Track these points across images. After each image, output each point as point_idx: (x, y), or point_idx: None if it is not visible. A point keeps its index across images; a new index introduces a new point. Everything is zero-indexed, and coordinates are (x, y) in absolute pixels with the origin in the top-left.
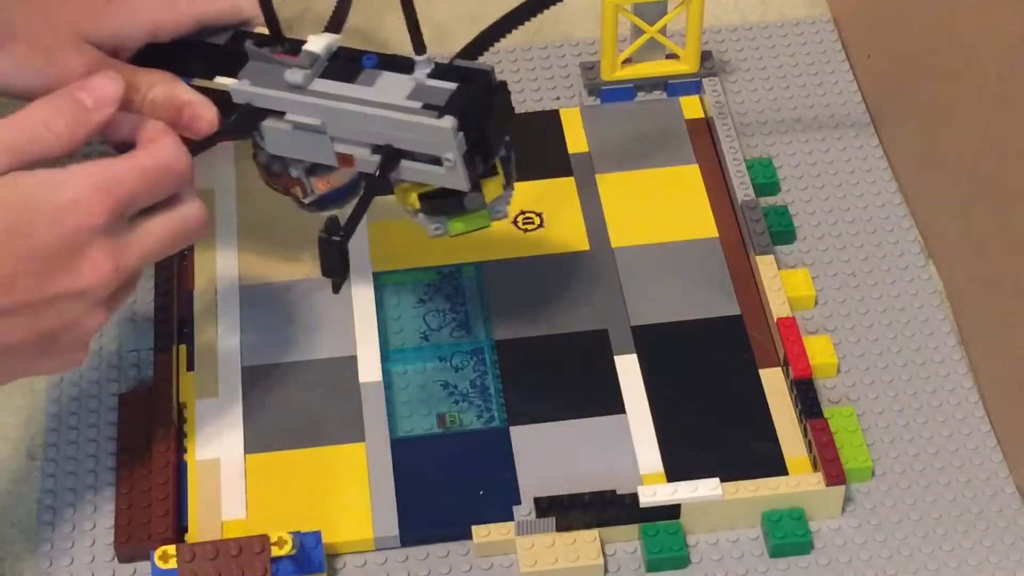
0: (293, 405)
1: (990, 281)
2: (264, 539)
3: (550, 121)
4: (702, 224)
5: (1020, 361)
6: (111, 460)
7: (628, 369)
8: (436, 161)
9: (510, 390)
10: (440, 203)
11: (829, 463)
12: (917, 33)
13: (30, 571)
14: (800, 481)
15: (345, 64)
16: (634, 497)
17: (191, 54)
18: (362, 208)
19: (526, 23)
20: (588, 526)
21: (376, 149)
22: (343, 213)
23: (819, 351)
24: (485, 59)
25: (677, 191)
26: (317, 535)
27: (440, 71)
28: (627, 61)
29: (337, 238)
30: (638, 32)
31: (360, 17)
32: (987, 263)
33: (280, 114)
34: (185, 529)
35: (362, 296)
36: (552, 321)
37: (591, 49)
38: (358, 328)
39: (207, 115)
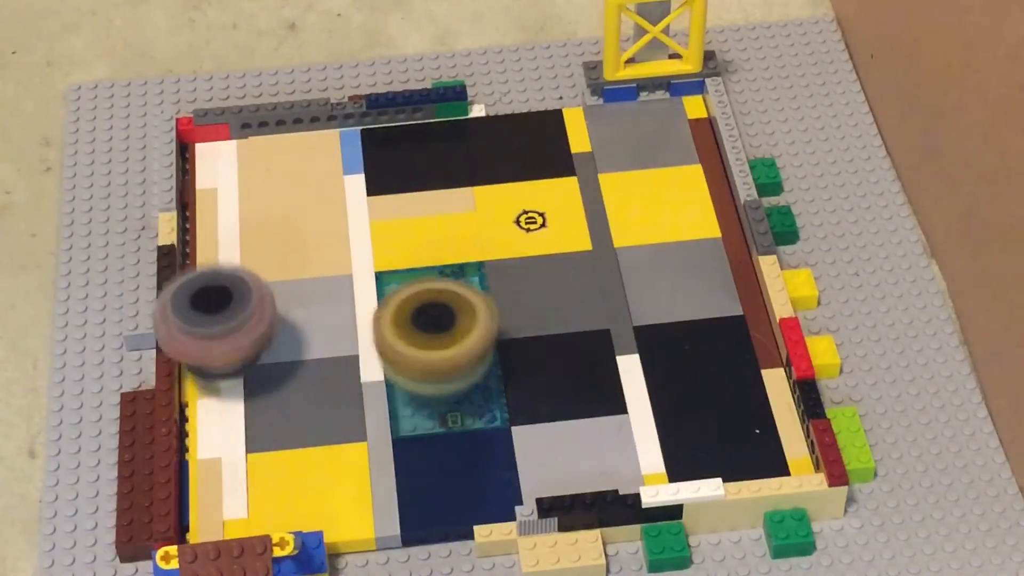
0: (295, 404)
1: (993, 281)
2: (266, 540)
3: (553, 121)
4: (705, 224)
5: (1022, 361)
6: (113, 459)
7: (630, 369)
8: None
9: (512, 390)
10: None
11: (832, 464)
12: (920, 33)
13: (32, 570)
14: (802, 482)
15: None
16: (636, 497)
17: None
18: None
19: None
20: (590, 526)
21: None
22: None
23: (822, 351)
24: (488, 59)
25: (680, 191)
26: (319, 535)
27: None
28: (630, 61)
29: None
30: (641, 32)
31: (363, 16)
32: (990, 263)
33: None
34: (187, 528)
35: (364, 296)
36: (554, 321)
37: (594, 49)
38: (360, 327)
39: None
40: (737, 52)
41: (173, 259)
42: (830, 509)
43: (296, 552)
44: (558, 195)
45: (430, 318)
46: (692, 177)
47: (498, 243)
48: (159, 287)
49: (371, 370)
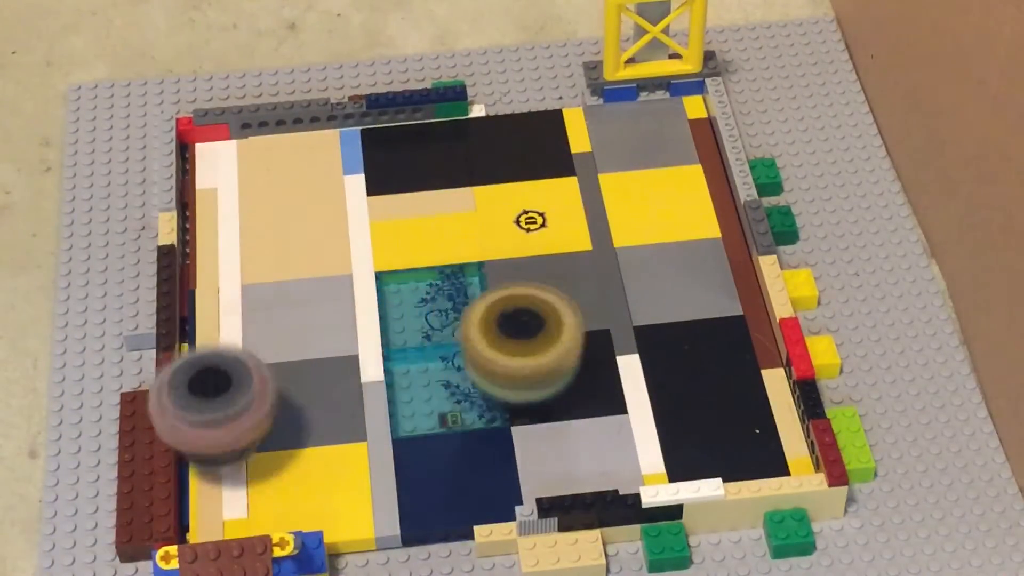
0: (295, 404)
1: (993, 281)
2: (266, 540)
3: (553, 121)
4: (705, 224)
5: (1023, 361)
6: (113, 459)
7: (630, 369)
8: None
9: None
10: None
11: (832, 464)
12: (920, 33)
13: (32, 570)
14: (802, 482)
15: None
16: (636, 497)
17: None
18: None
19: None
20: (590, 526)
21: None
22: None
23: (822, 351)
24: (488, 59)
25: (680, 191)
26: (319, 535)
27: None
28: (630, 61)
29: None
30: (641, 32)
31: (363, 16)
32: (990, 263)
33: None
34: (187, 528)
35: (364, 295)
36: None
37: (594, 49)
38: (360, 327)
39: None
40: (737, 52)
41: (173, 259)
42: (830, 509)
43: (296, 552)
44: (558, 195)
45: (517, 324)
46: (692, 177)
47: (498, 243)
48: (159, 287)
49: (371, 370)
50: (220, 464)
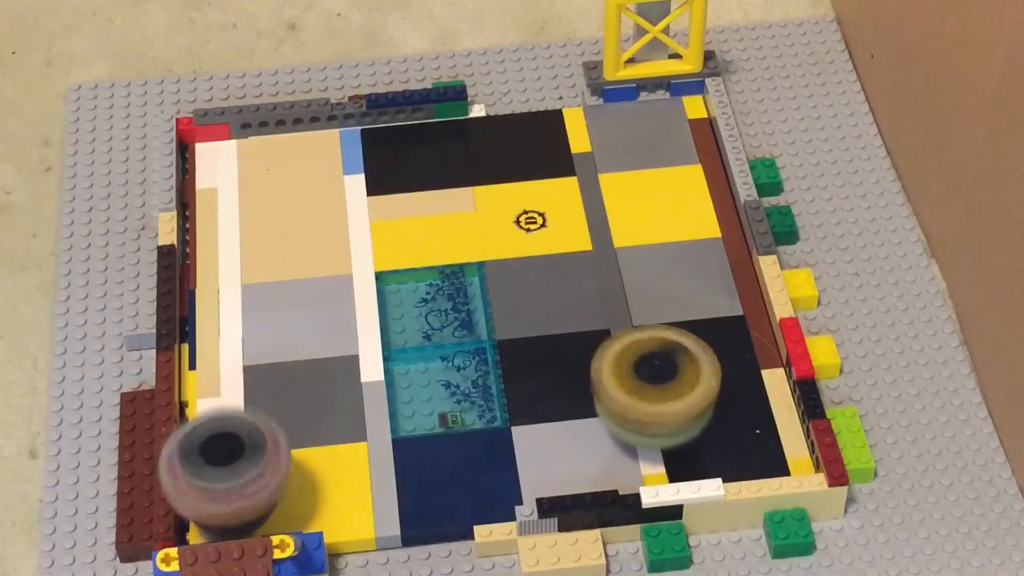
0: (294, 404)
1: (993, 281)
2: (266, 541)
3: (553, 121)
4: (705, 224)
5: (1023, 361)
6: (113, 459)
7: None
8: None
9: (512, 390)
10: None
11: (832, 464)
12: (920, 33)
13: (32, 570)
14: (802, 482)
15: None
16: (636, 497)
17: None
18: None
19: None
20: (590, 526)
21: None
22: None
23: (822, 351)
24: (488, 59)
25: (680, 191)
26: (319, 536)
27: None
28: (630, 61)
29: None
30: (641, 32)
31: (363, 16)
32: (990, 263)
33: None
34: (187, 529)
35: (364, 295)
36: (554, 321)
37: (594, 49)
38: (360, 327)
39: None
40: (737, 52)
41: (173, 259)
42: (830, 509)
43: (296, 553)
44: (558, 195)
45: (653, 368)
46: (692, 177)
47: (498, 243)
48: (159, 287)
49: (371, 370)
50: (227, 534)
